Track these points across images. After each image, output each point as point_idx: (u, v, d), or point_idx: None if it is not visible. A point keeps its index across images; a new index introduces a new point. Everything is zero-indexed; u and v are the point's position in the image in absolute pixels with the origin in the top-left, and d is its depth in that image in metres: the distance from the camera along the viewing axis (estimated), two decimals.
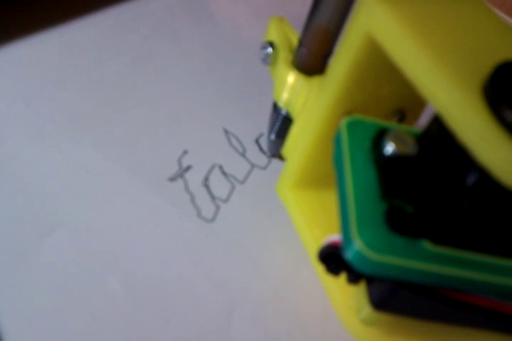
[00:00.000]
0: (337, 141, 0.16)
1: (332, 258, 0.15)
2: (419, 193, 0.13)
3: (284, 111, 0.22)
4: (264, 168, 0.25)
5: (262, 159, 0.25)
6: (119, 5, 0.31)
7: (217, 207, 0.23)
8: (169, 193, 0.23)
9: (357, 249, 0.13)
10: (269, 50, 0.22)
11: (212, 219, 0.23)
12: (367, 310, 0.16)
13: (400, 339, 0.17)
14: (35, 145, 0.24)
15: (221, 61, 0.29)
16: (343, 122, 0.16)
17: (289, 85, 0.21)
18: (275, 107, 0.23)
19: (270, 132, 0.24)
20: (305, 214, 0.20)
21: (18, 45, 0.28)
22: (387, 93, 0.17)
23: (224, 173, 0.24)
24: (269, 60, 0.22)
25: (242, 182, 0.24)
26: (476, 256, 0.13)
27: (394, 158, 0.14)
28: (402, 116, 0.18)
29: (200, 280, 0.21)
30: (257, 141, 0.26)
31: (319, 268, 0.18)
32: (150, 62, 0.28)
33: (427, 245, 0.13)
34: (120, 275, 0.21)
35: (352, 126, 0.16)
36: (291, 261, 0.22)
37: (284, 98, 0.21)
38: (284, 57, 0.21)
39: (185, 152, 0.25)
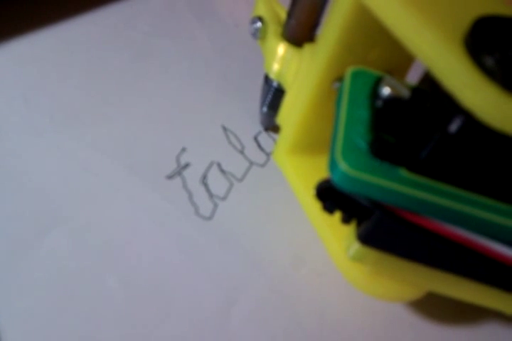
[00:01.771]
0: (340, 88, 0.17)
1: (327, 195, 0.17)
2: (404, 130, 0.15)
3: (275, 83, 0.23)
4: (263, 165, 0.25)
5: (260, 157, 0.25)
6: (119, 2, 0.31)
7: (216, 205, 0.23)
8: (167, 191, 0.23)
9: (341, 169, 0.15)
10: (259, 24, 0.23)
11: (210, 217, 0.23)
12: (355, 245, 0.17)
13: (388, 281, 0.19)
14: (34, 143, 0.24)
15: (220, 58, 0.29)
16: (348, 71, 0.17)
17: (280, 56, 0.22)
18: (266, 79, 0.23)
19: (262, 104, 0.24)
20: (301, 176, 0.22)
21: (17, 42, 0.28)
22: (376, 56, 0.18)
23: (222, 171, 0.24)
24: (258, 35, 0.23)
25: (240, 180, 0.24)
26: (446, 187, 0.14)
27: (388, 99, 0.15)
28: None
29: (198, 278, 0.21)
30: (255, 139, 0.26)
31: (314, 216, 0.20)
32: (149, 60, 0.28)
33: (403, 172, 0.15)
34: (118, 273, 0.21)
35: (356, 75, 0.17)
36: (289, 259, 0.22)
37: (275, 69, 0.22)
38: (273, 30, 0.22)
39: (183, 149, 0.25)
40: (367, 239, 0.17)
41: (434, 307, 0.22)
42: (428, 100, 0.15)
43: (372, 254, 0.17)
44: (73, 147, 0.24)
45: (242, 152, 0.25)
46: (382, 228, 0.16)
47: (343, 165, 0.15)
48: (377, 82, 0.16)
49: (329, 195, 0.17)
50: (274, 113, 0.24)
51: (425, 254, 0.17)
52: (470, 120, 0.13)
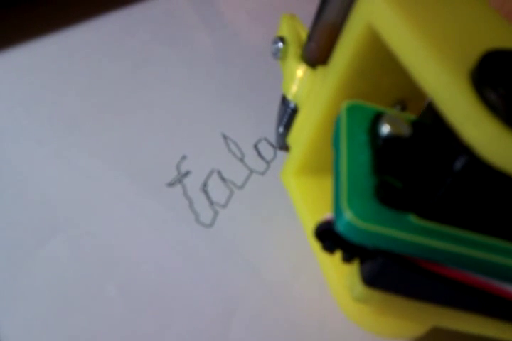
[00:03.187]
0: (337, 123, 0.17)
1: (327, 236, 0.16)
2: (409, 172, 0.14)
3: (292, 104, 0.23)
4: (263, 173, 0.25)
5: (260, 164, 0.25)
6: (119, 10, 0.31)
7: (216, 213, 0.23)
8: (168, 198, 0.23)
9: (347, 218, 0.14)
10: (280, 44, 0.23)
11: (211, 225, 0.23)
12: (359, 287, 0.16)
13: (392, 319, 0.18)
14: (35, 151, 0.24)
15: (220, 66, 0.29)
16: (344, 106, 0.17)
17: (298, 78, 0.22)
18: (284, 100, 0.23)
19: (279, 125, 0.24)
20: (306, 199, 0.21)
21: (18, 50, 0.28)
22: (388, 83, 0.18)
23: (222, 179, 0.24)
24: (279, 55, 0.23)
25: (240, 188, 0.24)
26: (458, 231, 0.14)
27: (388, 138, 0.15)
28: (403, 107, 0.19)
29: (198, 286, 0.21)
30: (255, 147, 0.26)
31: (317, 250, 0.19)
32: (149, 67, 0.28)
33: (413, 218, 0.14)
34: (118, 281, 0.21)
35: (352, 110, 0.17)
36: (289, 267, 0.22)
37: (292, 91, 0.22)
38: (293, 51, 0.22)
39: (184, 157, 0.25)
40: (372, 281, 0.16)
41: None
42: (430, 136, 0.14)
43: (376, 295, 0.17)
44: (73, 155, 0.24)
45: (242, 160, 0.25)
46: (387, 271, 0.15)
47: (348, 215, 0.14)
48: (376, 119, 0.16)
49: (329, 236, 0.16)
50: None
51: (431, 294, 0.16)
52: (476, 159, 0.12)
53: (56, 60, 0.28)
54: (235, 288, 0.21)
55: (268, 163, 0.25)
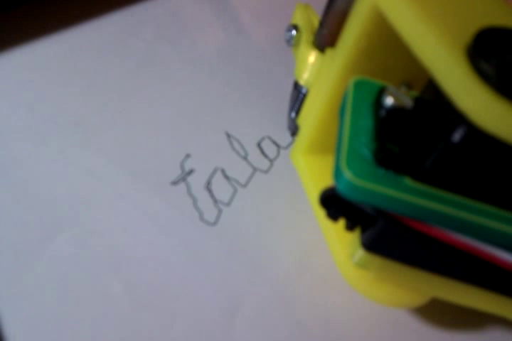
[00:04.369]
0: (344, 97, 0.18)
1: (331, 203, 0.17)
2: (408, 139, 0.15)
3: (304, 90, 0.23)
4: (266, 171, 0.25)
5: (263, 163, 0.25)
6: (122, 10, 0.31)
7: (220, 211, 0.23)
8: (172, 197, 0.23)
9: (346, 178, 0.15)
10: (293, 32, 0.24)
11: (215, 223, 0.23)
12: (359, 252, 0.17)
13: (392, 288, 0.19)
14: (39, 150, 0.24)
15: (223, 65, 0.29)
16: (352, 81, 0.18)
17: (309, 64, 0.23)
18: (296, 86, 0.24)
19: (291, 110, 0.25)
20: (315, 177, 0.22)
21: (21, 50, 0.28)
22: (394, 64, 0.18)
23: (226, 177, 0.25)
24: (292, 42, 0.24)
25: (244, 186, 0.24)
26: (449, 195, 0.15)
27: (391, 109, 0.15)
28: (408, 88, 0.19)
29: (202, 284, 0.21)
30: (258, 145, 0.26)
31: (322, 220, 0.21)
32: (152, 67, 0.29)
33: (408, 181, 0.15)
34: (123, 279, 0.21)
35: (359, 85, 0.17)
36: (292, 264, 0.22)
37: (305, 76, 0.23)
38: (306, 38, 0.23)
39: (187, 156, 0.25)
40: (371, 246, 0.17)
41: (438, 313, 0.22)
42: (431, 109, 0.15)
43: (376, 261, 0.17)
44: (77, 154, 0.24)
45: (245, 158, 0.25)
46: (386, 236, 0.16)
47: (347, 174, 0.15)
48: (381, 92, 0.16)
49: (333, 203, 0.17)
50: None
51: (429, 261, 0.17)
52: (472, 129, 0.13)
53: (60, 59, 0.28)
54: (238, 285, 0.21)
55: (271, 161, 0.25)
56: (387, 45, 0.18)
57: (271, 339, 0.20)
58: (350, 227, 0.18)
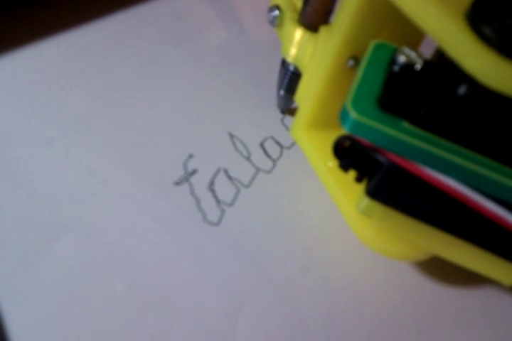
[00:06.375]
0: (362, 59, 0.19)
1: (343, 154, 0.18)
2: (411, 91, 0.17)
3: (292, 67, 0.24)
4: (269, 172, 0.25)
5: (266, 163, 0.25)
6: (125, 10, 0.31)
7: (223, 211, 0.23)
8: (175, 197, 0.23)
9: (351, 116, 0.16)
10: (276, 12, 0.24)
11: (218, 223, 0.23)
12: (364, 200, 0.19)
13: (395, 241, 0.20)
14: (43, 151, 0.24)
15: (226, 65, 0.29)
16: (372, 44, 0.19)
17: (296, 41, 0.23)
18: (283, 64, 0.25)
19: (279, 88, 0.26)
20: (317, 148, 0.23)
21: (25, 51, 0.28)
22: (387, 35, 0.20)
23: (229, 177, 0.25)
24: (276, 22, 0.25)
25: (247, 186, 0.24)
26: (442, 141, 0.16)
27: (403, 66, 0.17)
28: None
29: (205, 284, 0.21)
30: (261, 145, 0.26)
31: (329, 184, 0.22)
32: (156, 67, 0.29)
33: (406, 124, 0.16)
34: (126, 280, 0.21)
35: (378, 47, 0.19)
36: (295, 265, 0.22)
37: (292, 54, 0.24)
38: (290, 17, 0.24)
39: (190, 156, 0.25)
40: (374, 193, 0.18)
41: (440, 312, 0.22)
42: (437, 69, 0.17)
43: (379, 209, 0.19)
44: (81, 154, 0.24)
45: (248, 158, 0.25)
46: (388, 183, 0.17)
47: (352, 113, 0.16)
48: (396, 51, 0.18)
49: (345, 153, 0.18)
50: (290, 96, 0.25)
51: (429, 213, 0.18)
52: (474, 85, 0.14)
53: (64, 60, 0.28)
54: (241, 285, 0.21)
55: (274, 161, 0.25)
56: (381, 18, 0.19)
57: (273, 340, 0.20)
58: (359, 179, 0.19)
